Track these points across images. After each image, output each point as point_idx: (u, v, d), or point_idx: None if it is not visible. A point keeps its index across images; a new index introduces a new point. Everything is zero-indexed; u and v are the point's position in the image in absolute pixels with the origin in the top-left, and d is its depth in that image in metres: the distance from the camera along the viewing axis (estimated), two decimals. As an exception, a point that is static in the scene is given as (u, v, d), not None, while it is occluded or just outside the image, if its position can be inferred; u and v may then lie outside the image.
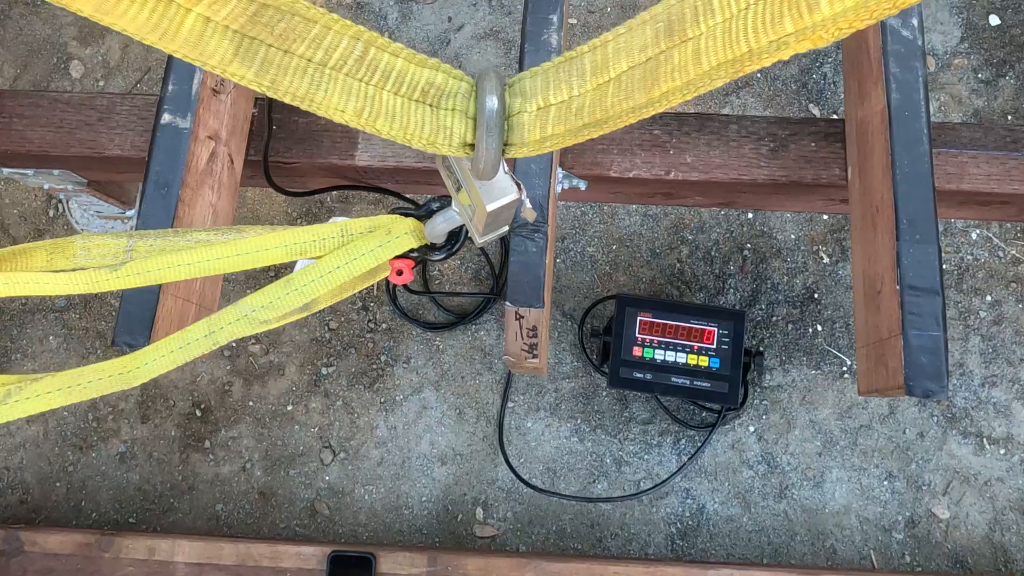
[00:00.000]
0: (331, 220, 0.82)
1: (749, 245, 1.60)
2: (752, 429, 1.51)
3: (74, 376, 0.75)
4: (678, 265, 1.60)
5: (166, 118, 1.05)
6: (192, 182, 1.06)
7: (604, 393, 1.54)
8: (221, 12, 0.49)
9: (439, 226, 0.66)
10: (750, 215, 1.62)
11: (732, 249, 1.60)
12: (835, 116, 1.67)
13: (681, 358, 1.41)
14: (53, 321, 1.62)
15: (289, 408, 1.57)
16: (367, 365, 1.58)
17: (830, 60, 1.69)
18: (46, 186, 1.43)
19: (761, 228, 1.61)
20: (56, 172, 1.33)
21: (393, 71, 0.52)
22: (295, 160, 1.20)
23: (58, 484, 1.56)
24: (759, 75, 1.69)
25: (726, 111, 1.70)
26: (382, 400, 1.56)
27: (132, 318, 0.98)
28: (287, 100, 0.51)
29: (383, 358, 1.58)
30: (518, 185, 0.59)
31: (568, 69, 0.52)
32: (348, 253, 0.68)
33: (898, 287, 0.92)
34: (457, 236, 0.69)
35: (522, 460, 1.52)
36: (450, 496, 1.52)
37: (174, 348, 0.74)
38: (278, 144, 1.21)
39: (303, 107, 0.52)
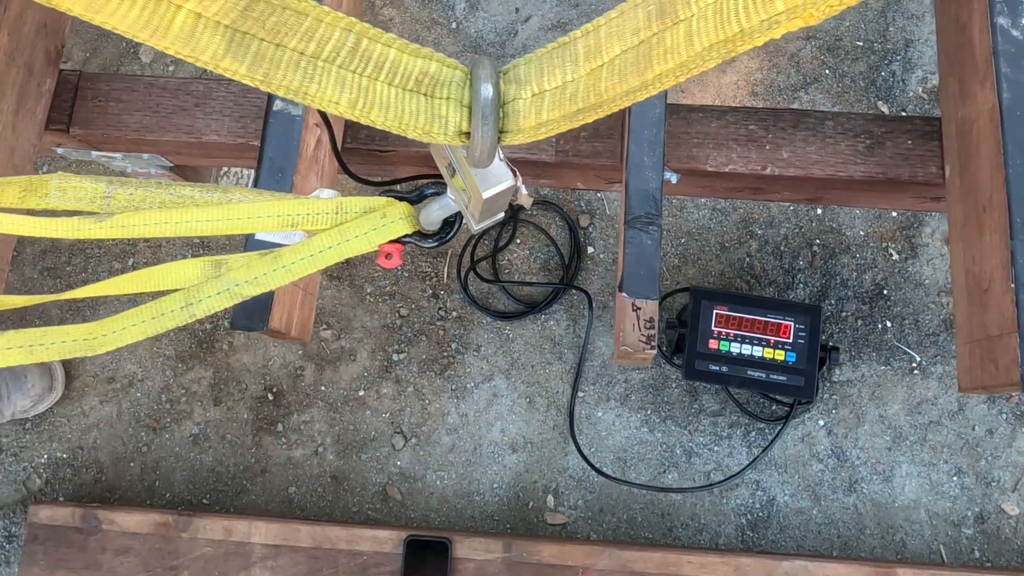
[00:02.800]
0: (317, 192, 0.80)
1: (818, 241, 1.61)
2: (822, 423, 1.52)
3: (38, 335, 0.74)
4: (747, 259, 1.61)
5: (279, 104, 1.07)
6: (303, 169, 1.07)
7: (674, 384, 1.56)
8: (212, 8, 0.49)
9: (434, 213, 0.66)
10: (819, 211, 1.63)
11: (801, 244, 1.61)
12: (904, 113, 1.68)
13: (757, 352, 1.42)
14: (126, 303, 1.64)
15: (361, 393, 1.58)
16: (438, 352, 1.59)
17: (899, 58, 1.70)
18: (128, 169, 1.44)
19: (830, 224, 1.62)
20: (146, 156, 1.35)
21: (386, 62, 0.52)
22: (391, 148, 1.22)
23: (132, 464, 1.58)
24: (828, 71, 1.70)
25: (795, 106, 1.70)
26: (453, 387, 1.58)
27: (249, 303, 0.99)
28: (280, 94, 0.51)
29: (454, 346, 1.59)
30: (513, 172, 0.60)
31: (562, 55, 0.53)
32: (340, 234, 0.67)
33: (1012, 285, 0.93)
34: (451, 224, 0.68)
35: (592, 449, 1.53)
36: (521, 483, 1.53)
37: (147, 318, 0.72)
38: (373, 132, 1.22)
39: (297, 100, 0.52)
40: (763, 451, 1.47)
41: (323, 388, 1.59)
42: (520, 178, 0.60)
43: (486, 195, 0.59)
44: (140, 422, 1.59)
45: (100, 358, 1.61)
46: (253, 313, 0.98)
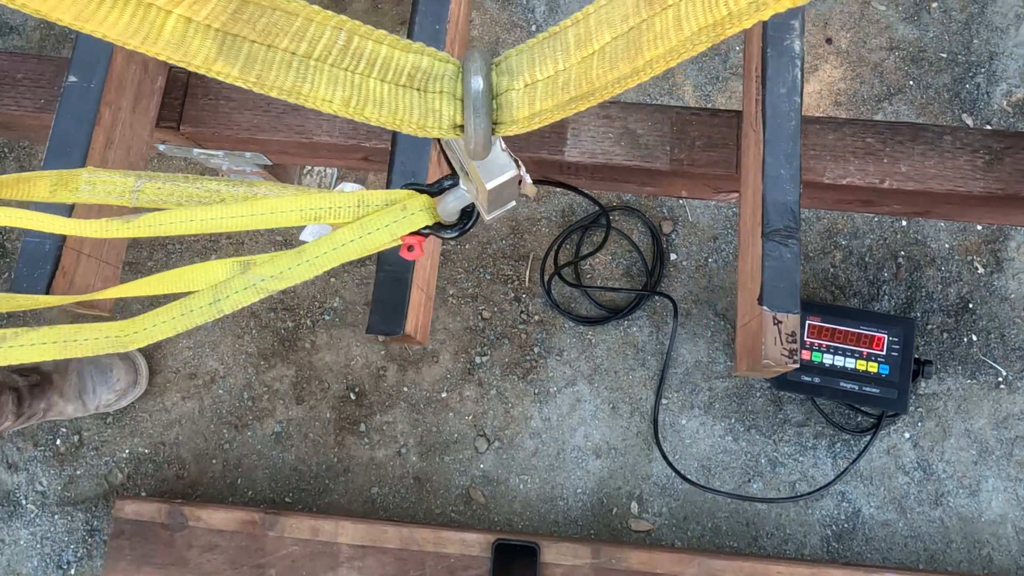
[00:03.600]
0: (340, 186, 0.81)
1: (903, 252, 1.60)
2: (907, 435, 1.52)
3: (72, 331, 0.75)
4: (831, 270, 1.60)
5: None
6: (431, 175, 1.07)
7: (758, 393, 1.55)
8: (202, 12, 0.49)
9: (451, 204, 0.67)
10: (903, 222, 1.63)
11: (886, 256, 1.60)
12: (988, 127, 1.67)
13: (850, 363, 1.42)
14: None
15: (443, 395, 1.58)
16: (520, 356, 1.59)
17: (983, 71, 1.69)
18: (224, 167, 1.44)
19: (915, 236, 1.61)
20: (248, 155, 1.35)
21: (378, 58, 0.52)
22: (504, 153, 1.21)
23: (214, 461, 1.58)
24: (912, 82, 1.69)
25: (878, 117, 1.70)
26: (536, 391, 1.58)
27: (386, 307, 0.99)
28: (274, 95, 0.51)
29: (536, 349, 1.59)
30: (516, 162, 0.60)
31: (552, 44, 0.53)
32: (363, 227, 0.68)
33: None
34: (469, 214, 0.69)
35: (676, 457, 1.53)
36: (605, 489, 1.53)
37: (176, 315, 0.73)
38: (486, 137, 1.22)
39: (291, 100, 0.52)
40: (852, 463, 1.47)
41: (405, 389, 1.59)
42: (523, 168, 0.61)
43: (490, 186, 0.60)
44: (222, 419, 1.59)
45: (182, 354, 1.62)
46: (390, 318, 0.98)
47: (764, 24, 1.08)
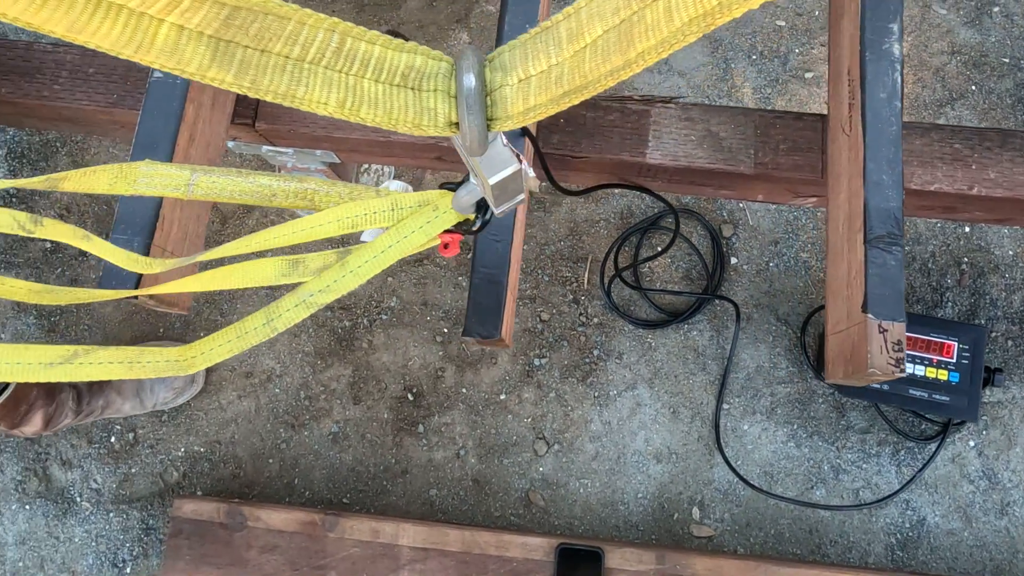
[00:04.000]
0: (387, 184, 0.83)
1: (966, 259, 1.59)
2: (972, 444, 1.50)
3: (136, 353, 0.79)
4: (894, 275, 1.59)
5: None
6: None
7: (820, 400, 1.54)
8: (194, 19, 0.49)
9: (463, 199, 0.68)
10: (967, 228, 1.61)
11: (949, 262, 1.59)
12: (1051, 133, 1.66)
13: (919, 371, 1.40)
14: (264, 298, 1.63)
15: (502, 397, 1.57)
16: (579, 358, 1.58)
17: (1046, 76, 1.68)
18: (289, 164, 1.43)
19: (978, 242, 1.60)
20: (319, 152, 1.34)
21: (372, 59, 0.53)
22: (583, 154, 1.20)
23: (270, 461, 1.57)
24: (974, 87, 1.68)
25: (940, 122, 1.68)
26: (596, 394, 1.56)
27: (483, 309, 0.98)
28: (269, 99, 0.51)
29: (595, 352, 1.58)
30: (517, 156, 0.61)
31: (545, 39, 0.53)
32: (399, 232, 0.71)
33: None
34: (484, 208, 0.71)
35: (738, 462, 1.52)
36: (666, 494, 1.52)
37: (231, 338, 0.76)
38: (566, 138, 1.21)
39: (286, 103, 0.51)
40: (919, 471, 1.46)
41: (464, 390, 1.57)
42: (525, 162, 0.62)
43: (492, 181, 0.61)
44: (278, 418, 1.58)
45: (239, 353, 1.60)
46: (487, 321, 0.97)
47: (861, 28, 1.07)
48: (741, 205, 1.65)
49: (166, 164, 0.76)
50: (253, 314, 0.77)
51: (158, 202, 1.03)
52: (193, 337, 1.62)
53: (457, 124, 0.54)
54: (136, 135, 1.05)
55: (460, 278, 1.62)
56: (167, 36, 0.49)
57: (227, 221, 1.66)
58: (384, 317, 1.61)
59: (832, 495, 1.50)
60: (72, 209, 1.69)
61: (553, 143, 1.20)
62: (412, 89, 0.54)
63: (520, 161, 0.61)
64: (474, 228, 0.73)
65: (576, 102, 0.53)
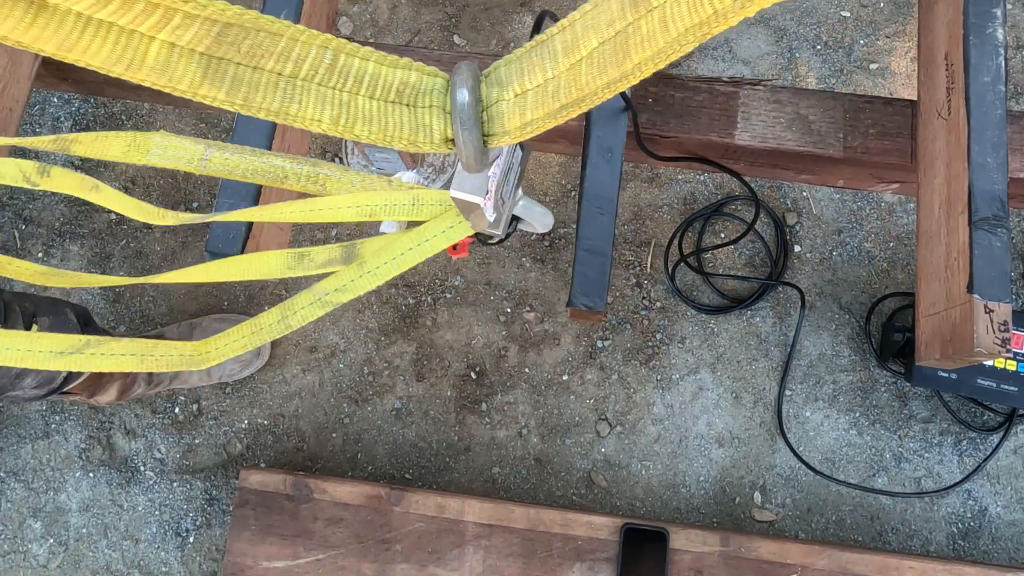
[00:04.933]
0: (398, 175, 0.82)
1: (1030, 252, 1.59)
2: (1035, 436, 1.51)
3: (149, 347, 0.80)
4: (958, 267, 1.59)
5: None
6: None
7: (883, 388, 1.55)
8: (185, 36, 0.48)
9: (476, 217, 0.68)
10: (1031, 222, 1.62)
11: (1015, 255, 1.59)
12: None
13: (988, 360, 1.41)
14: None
15: (565, 378, 1.58)
16: (642, 342, 1.59)
17: (1111, 73, 1.68)
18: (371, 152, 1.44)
19: (1042, 236, 1.60)
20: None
21: (365, 75, 0.52)
22: (672, 134, 1.21)
23: (334, 435, 1.58)
24: (1038, 82, 1.68)
25: (1005, 116, 1.68)
26: (658, 378, 1.57)
27: (588, 281, 0.99)
28: (261, 116, 0.51)
29: (658, 336, 1.59)
30: (487, 193, 0.62)
31: (540, 53, 0.52)
32: (420, 235, 0.69)
33: None
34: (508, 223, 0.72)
35: (800, 448, 1.53)
36: (727, 478, 1.53)
37: (246, 334, 0.78)
38: (655, 117, 1.21)
39: (278, 120, 0.51)
40: (983, 461, 1.46)
41: (527, 370, 1.58)
42: (491, 208, 0.62)
43: (452, 193, 0.62)
44: (342, 393, 1.59)
45: (303, 327, 1.61)
46: (591, 291, 0.98)
47: (964, 12, 1.07)
48: (805, 193, 1.66)
49: (180, 137, 0.76)
50: (268, 311, 0.77)
51: (263, 168, 1.03)
52: (258, 310, 1.63)
53: (453, 141, 0.54)
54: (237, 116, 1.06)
55: (524, 259, 1.63)
56: (158, 54, 0.48)
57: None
58: (448, 296, 1.61)
59: (894, 483, 1.51)
60: (137, 181, 1.70)
61: (642, 122, 1.21)
62: (407, 106, 0.53)
63: (485, 202, 0.61)
64: (491, 241, 0.73)
65: (573, 115, 0.53)
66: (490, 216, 0.64)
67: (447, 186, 0.65)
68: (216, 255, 1.00)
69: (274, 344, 1.60)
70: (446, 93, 0.53)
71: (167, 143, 0.75)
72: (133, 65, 0.48)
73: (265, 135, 1.05)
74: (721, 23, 0.46)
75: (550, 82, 0.52)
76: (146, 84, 0.49)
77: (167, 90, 0.49)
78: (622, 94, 1.13)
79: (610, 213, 1.01)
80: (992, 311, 0.94)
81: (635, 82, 0.50)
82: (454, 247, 0.73)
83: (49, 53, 0.47)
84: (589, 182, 1.02)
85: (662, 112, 1.21)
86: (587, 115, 1.06)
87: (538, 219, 0.76)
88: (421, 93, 0.53)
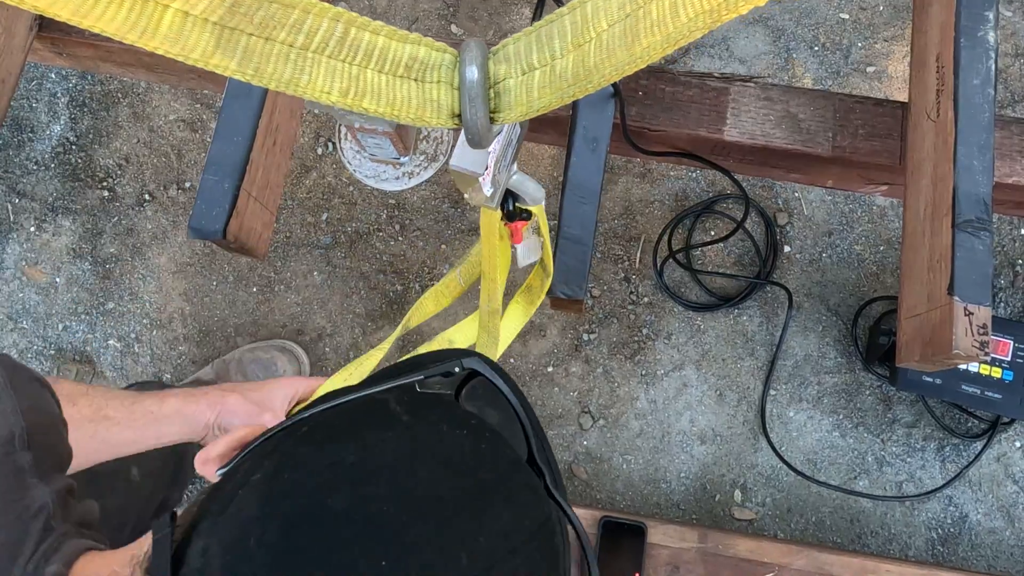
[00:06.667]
0: (514, 178, 0.84)
1: (1020, 261, 1.59)
2: (1018, 444, 1.51)
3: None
4: (947, 273, 1.59)
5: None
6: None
7: (867, 391, 1.55)
8: (199, 6, 0.49)
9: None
10: (1023, 230, 1.61)
11: (1003, 263, 1.59)
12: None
13: (974, 367, 1.40)
14: (318, 257, 1.64)
15: (549, 369, 1.58)
16: (628, 336, 1.59)
17: (1109, 84, 1.68)
18: (356, 124, 1.43)
19: (1033, 245, 1.60)
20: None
21: (376, 49, 0.52)
22: (661, 128, 1.21)
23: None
24: (1036, 91, 1.68)
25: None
26: (643, 372, 1.57)
27: (568, 270, 0.99)
28: (272, 87, 0.51)
29: (644, 331, 1.59)
30: (487, 167, 0.63)
31: (550, 32, 0.53)
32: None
33: None
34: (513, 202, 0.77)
35: (783, 448, 1.52)
36: (708, 475, 1.53)
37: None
38: (643, 110, 1.21)
39: (288, 92, 0.52)
40: (965, 467, 1.46)
41: (512, 361, 1.58)
42: (489, 183, 0.63)
43: (451, 163, 0.64)
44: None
45: (290, 309, 1.61)
46: (571, 280, 0.99)
47: (956, 14, 1.07)
48: (796, 194, 1.65)
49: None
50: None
51: (248, 145, 1.03)
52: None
53: (460, 116, 0.54)
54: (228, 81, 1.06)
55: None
56: (172, 22, 0.48)
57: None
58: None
59: (875, 486, 1.50)
60: (131, 159, 1.69)
61: (631, 115, 1.20)
62: (415, 80, 0.53)
63: (485, 176, 0.63)
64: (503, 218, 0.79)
65: (580, 96, 0.53)
66: (487, 190, 0.65)
67: (440, 174, 0.67)
68: (199, 231, 1.00)
69: (259, 325, 1.60)
70: (454, 69, 0.53)
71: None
72: (147, 33, 0.48)
73: (252, 114, 1.05)
74: (732, 11, 0.46)
75: (558, 62, 0.52)
76: (159, 52, 0.49)
77: (179, 59, 0.50)
78: (612, 84, 1.13)
79: (592, 203, 1.01)
80: (972, 314, 0.93)
81: (642, 66, 0.50)
82: (511, 234, 0.79)
83: (65, 18, 0.47)
84: (573, 171, 1.02)
85: (651, 105, 1.21)
86: (574, 104, 1.06)
87: (530, 194, 0.77)
88: (430, 68, 0.53)
